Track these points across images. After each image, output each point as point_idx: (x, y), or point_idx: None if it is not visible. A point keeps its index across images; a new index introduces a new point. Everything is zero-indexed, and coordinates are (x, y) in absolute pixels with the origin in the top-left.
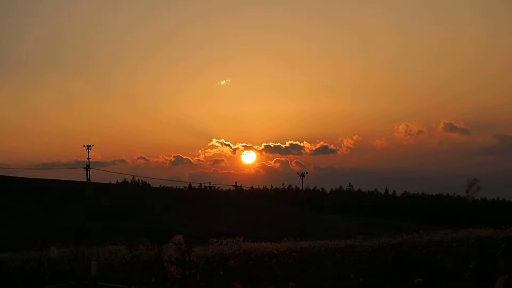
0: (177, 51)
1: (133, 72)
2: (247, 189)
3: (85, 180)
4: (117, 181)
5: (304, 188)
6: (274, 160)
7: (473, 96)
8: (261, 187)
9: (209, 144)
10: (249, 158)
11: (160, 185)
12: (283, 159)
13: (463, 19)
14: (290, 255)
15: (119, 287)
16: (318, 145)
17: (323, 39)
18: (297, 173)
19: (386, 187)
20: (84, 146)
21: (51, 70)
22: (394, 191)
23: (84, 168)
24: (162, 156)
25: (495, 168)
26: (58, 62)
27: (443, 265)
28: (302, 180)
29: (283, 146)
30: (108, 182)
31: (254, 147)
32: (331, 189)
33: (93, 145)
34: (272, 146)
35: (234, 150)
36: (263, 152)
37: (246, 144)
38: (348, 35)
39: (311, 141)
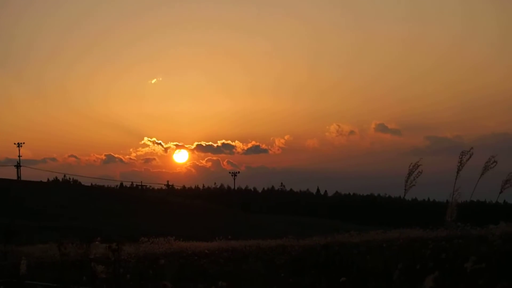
0: (108, 50)
1: (64, 70)
2: (179, 188)
3: (15, 178)
4: (48, 179)
5: (236, 188)
6: (206, 159)
7: (405, 97)
8: (193, 186)
9: (140, 143)
10: (181, 157)
11: (92, 184)
12: (215, 158)
13: (406, 24)
14: (221, 254)
15: (47, 285)
16: (250, 145)
17: (262, 38)
18: (229, 172)
19: (318, 187)
20: (15, 143)
21: None
22: (325, 191)
23: (14, 166)
24: (93, 155)
25: (426, 169)
26: None
27: (373, 265)
28: (234, 179)
29: (215, 145)
30: (39, 180)
31: (186, 146)
32: (263, 188)
33: (24, 143)
34: (204, 145)
35: (165, 149)
36: (195, 151)
37: (178, 143)
38: (292, 35)
39: (243, 140)
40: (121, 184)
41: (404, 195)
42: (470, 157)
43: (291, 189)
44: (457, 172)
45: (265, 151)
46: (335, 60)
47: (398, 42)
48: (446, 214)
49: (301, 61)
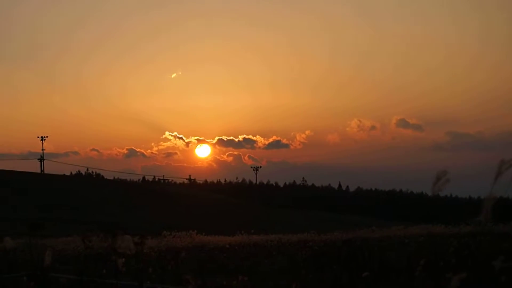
0: (129, 44)
1: (87, 64)
2: (201, 182)
3: (39, 171)
4: (71, 172)
5: (257, 182)
6: (227, 153)
7: (426, 92)
8: (215, 181)
9: (162, 137)
10: (202, 151)
11: (114, 177)
12: (236, 152)
13: (423, 18)
14: (242, 249)
15: (71, 278)
16: (271, 139)
17: (282, 33)
18: (251, 167)
19: (340, 182)
20: (38, 137)
21: (2, 61)
22: (347, 186)
23: (38, 159)
24: (115, 148)
25: (447, 165)
26: (9, 54)
27: (395, 261)
28: (256, 174)
29: (236, 139)
30: (62, 173)
31: (207, 140)
32: (285, 183)
33: (47, 137)
34: (225, 139)
35: (187, 143)
36: (216, 146)
37: (199, 138)
38: (311, 30)
39: (264, 135)
40: (143, 178)
41: (433, 198)
42: (509, 166)
43: (312, 184)
44: (495, 178)
45: (286, 146)
46: (355, 55)
47: (418, 35)
48: (480, 214)
49: (321, 55)
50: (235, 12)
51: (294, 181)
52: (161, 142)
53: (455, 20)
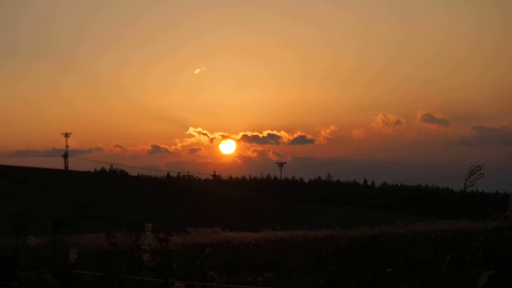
0: (151, 38)
1: (111, 61)
2: (226, 178)
3: (62, 168)
4: (95, 169)
5: (282, 178)
6: (251, 149)
7: (452, 87)
8: (240, 177)
9: (186, 133)
10: (227, 147)
11: (138, 174)
12: (260, 148)
13: (448, 14)
14: (268, 245)
15: (95, 274)
16: (295, 135)
17: (313, 26)
18: (276, 162)
19: (365, 178)
20: (62, 134)
21: (23, 59)
22: (373, 181)
23: (62, 156)
24: (139, 145)
25: (474, 160)
26: (31, 53)
27: (420, 256)
28: (281, 170)
29: (261, 135)
30: (86, 170)
31: (231, 136)
32: (310, 179)
33: (71, 133)
34: (250, 135)
35: (211, 139)
36: (241, 141)
37: (223, 134)
38: (342, 25)
39: (289, 130)
40: (168, 174)
41: (464, 192)
42: None
43: (338, 180)
44: None
45: (310, 141)
46: (384, 50)
47: (443, 31)
48: (507, 209)
49: (349, 51)
50: (263, 2)
51: (319, 177)
52: (185, 138)
53: (479, 15)
